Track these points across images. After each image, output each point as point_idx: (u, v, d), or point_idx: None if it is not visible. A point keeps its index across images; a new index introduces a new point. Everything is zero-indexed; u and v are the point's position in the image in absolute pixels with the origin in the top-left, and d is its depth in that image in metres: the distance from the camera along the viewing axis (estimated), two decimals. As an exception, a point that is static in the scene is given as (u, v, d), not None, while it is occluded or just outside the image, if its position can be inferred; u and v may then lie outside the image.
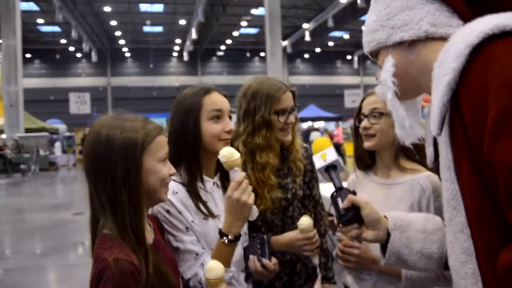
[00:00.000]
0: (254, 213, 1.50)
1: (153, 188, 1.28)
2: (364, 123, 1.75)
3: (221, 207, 1.64)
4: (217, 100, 1.64)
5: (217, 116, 1.62)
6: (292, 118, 1.90)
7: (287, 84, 1.97)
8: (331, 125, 29.03)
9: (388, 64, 1.13)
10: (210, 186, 1.67)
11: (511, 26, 0.86)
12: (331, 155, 1.51)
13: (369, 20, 1.20)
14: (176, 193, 1.55)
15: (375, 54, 1.21)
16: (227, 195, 1.45)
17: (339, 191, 1.39)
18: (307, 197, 2.02)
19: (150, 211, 1.53)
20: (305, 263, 1.97)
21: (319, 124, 28.50)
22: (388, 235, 1.31)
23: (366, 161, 1.88)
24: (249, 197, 1.44)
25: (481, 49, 0.87)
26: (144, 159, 1.25)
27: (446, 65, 0.93)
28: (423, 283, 1.65)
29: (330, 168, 1.50)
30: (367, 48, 1.21)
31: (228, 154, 1.45)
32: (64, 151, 23.67)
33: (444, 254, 1.27)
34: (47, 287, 5.40)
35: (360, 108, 1.82)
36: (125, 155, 1.21)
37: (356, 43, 36.00)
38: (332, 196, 1.39)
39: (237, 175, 1.45)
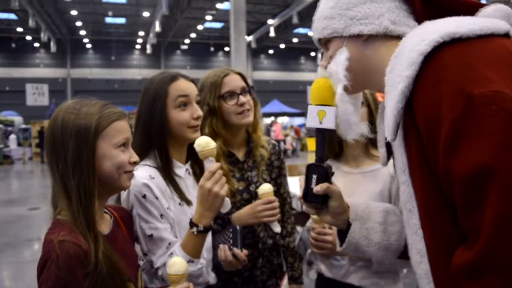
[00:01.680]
0: (227, 205, 1.50)
1: (109, 174, 1.26)
2: None
3: (193, 194, 1.63)
4: (182, 86, 1.61)
5: (184, 103, 1.60)
6: (243, 99, 1.85)
7: (250, 78, 1.94)
8: (295, 121, 29.31)
9: (342, 56, 1.10)
10: (182, 172, 1.65)
11: (459, 34, 0.89)
12: (330, 119, 1.19)
13: (325, 5, 1.14)
14: (153, 178, 1.53)
15: (325, 42, 1.17)
16: (199, 184, 1.44)
17: (318, 167, 1.23)
18: (274, 194, 1.85)
19: (125, 195, 1.51)
20: (269, 259, 1.94)
21: (283, 119, 28.70)
22: (348, 224, 1.30)
23: (335, 149, 1.88)
24: (221, 189, 1.44)
25: (433, 57, 0.89)
26: (98, 144, 1.23)
27: (398, 72, 0.94)
28: (392, 266, 1.70)
29: (322, 130, 1.22)
30: (318, 34, 1.16)
31: (203, 143, 1.45)
32: (19, 144, 22.74)
33: (401, 245, 1.30)
34: (2, 284, 5.18)
35: None
36: (77, 140, 1.20)
37: (320, 41, 36.32)
38: (309, 167, 1.24)
39: (211, 165, 1.44)
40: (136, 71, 35.98)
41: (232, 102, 1.84)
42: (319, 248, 1.75)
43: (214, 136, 1.80)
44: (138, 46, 36.55)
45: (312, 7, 24.85)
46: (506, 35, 0.95)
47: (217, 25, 33.13)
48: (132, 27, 33.03)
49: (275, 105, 28.05)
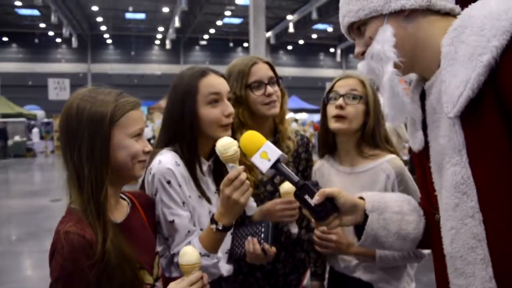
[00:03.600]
0: (251, 209, 1.45)
1: (123, 163, 1.26)
2: (340, 101, 1.71)
3: (212, 190, 1.62)
4: (214, 82, 1.57)
5: (215, 99, 1.56)
6: (270, 89, 1.80)
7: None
8: (314, 117, 29.11)
9: (387, 33, 1.04)
10: (205, 169, 1.63)
11: None
12: (272, 151, 1.31)
13: None
14: (179, 165, 1.52)
15: (359, 25, 1.12)
16: (221, 188, 1.41)
17: (302, 188, 1.26)
18: None
19: (150, 179, 1.50)
20: (292, 253, 1.91)
21: (301, 115, 28.57)
22: (365, 216, 1.28)
23: (331, 143, 1.85)
24: (242, 196, 1.37)
25: None
26: (113, 134, 1.22)
27: (476, 43, 0.89)
28: (395, 262, 1.68)
29: (276, 164, 1.31)
30: (352, 18, 1.11)
31: (222, 149, 1.37)
32: (42, 138, 23.17)
33: (419, 234, 1.28)
34: (24, 273, 5.33)
35: (332, 87, 1.79)
36: (91, 129, 1.20)
37: (339, 36, 35.99)
38: (296, 195, 1.28)
39: (231, 171, 1.38)
40: (156, 66, 36.23)
41: (259, 92, 1.80)
42: (323, 247, 1.74)
43: (240, 126, 1.77)
44: (157, 42, 36.79)
45: (332, 3, 24.71)
46: None
47: (236, 20, 33.10)
48: (152, 22, 33.24)
49: (294, 101, 27.93)
